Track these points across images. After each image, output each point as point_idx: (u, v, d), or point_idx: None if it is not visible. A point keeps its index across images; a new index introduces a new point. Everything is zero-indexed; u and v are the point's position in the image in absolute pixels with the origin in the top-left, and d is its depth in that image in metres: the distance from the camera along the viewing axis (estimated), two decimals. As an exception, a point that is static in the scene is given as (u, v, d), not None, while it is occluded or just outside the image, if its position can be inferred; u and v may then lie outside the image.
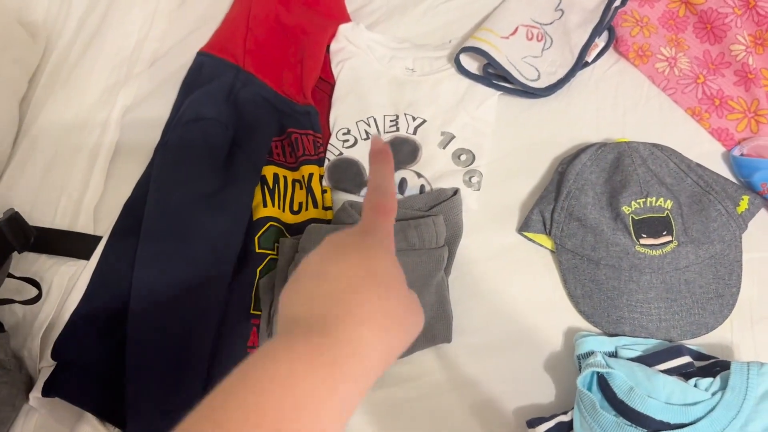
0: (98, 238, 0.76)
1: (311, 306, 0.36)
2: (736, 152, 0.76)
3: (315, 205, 0.77)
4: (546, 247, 0.74)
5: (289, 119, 0.80)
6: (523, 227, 0.74)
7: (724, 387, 0.59)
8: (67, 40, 0.89)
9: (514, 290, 0.73)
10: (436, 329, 0.69)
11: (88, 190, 0.79)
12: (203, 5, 0.93)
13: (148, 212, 0.72)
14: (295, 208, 0.77)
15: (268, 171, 0.77)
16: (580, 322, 0.70)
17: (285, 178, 0.77)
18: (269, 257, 0.72)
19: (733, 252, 0.70)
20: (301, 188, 0.78)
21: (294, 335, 0.34)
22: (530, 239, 0.75)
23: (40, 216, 0.77)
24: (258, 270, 0.71)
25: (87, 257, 0.75)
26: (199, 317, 0.67)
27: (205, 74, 0.82)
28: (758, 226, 0.72)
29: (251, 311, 0.70)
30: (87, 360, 0.68)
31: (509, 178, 0.79)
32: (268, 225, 0.74)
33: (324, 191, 0.78)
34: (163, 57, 0.90)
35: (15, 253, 0.71)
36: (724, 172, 0.76)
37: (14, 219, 0.70)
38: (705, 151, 0.78)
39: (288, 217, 0.76)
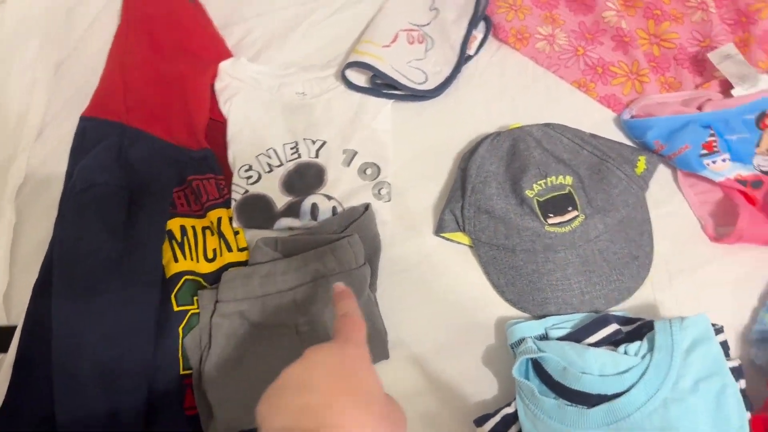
0: (13, 329, 0.72)
1: (298, 419, 0.38)
2: (626, 115, 0.77)
3: (229, 249, 0.74)
4: (465, 244, 0.74)
5: (186, 167, 0.78)
6: (439, 229, 0.74)
7: (651, 348, 0.60)
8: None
9: (442, 292, 0.72)
10: (371, 349, 0.68)
11: None
12: (79, 69, 0.90)
13: (56, 290, 0.68)
14: (210, 255, 0.74)
15: (174, 224, 0.74)
16: (510, 311, 0.70)
17: (193, 227, 0.75)
18: (190, 313, 0.70)
19: (639, 213, 0.71)
20: (212, 234, 0.75)
21: None
22: (448, 239, 0.75)
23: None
24: (180, 328, 0.69)
25: (4, 350, 0.72)
26: (126, 390, 0.64)
27: (89, 138, 0.79)
28: (658, 183, 0.74)
29: (181, 372, 0.68)
30: None
31: (417, 183, 0.78)
32: (183, 280, 0.71)
33: (236, 233, 0.76)
34: (47, 127, 0.86)
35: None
36: (619, 136, 0.78)
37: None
38: (597, 120, 0.79)
39: (204, 267, 0.74)
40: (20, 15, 0.89)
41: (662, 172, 0.75)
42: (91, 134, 0.81)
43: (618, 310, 0.68)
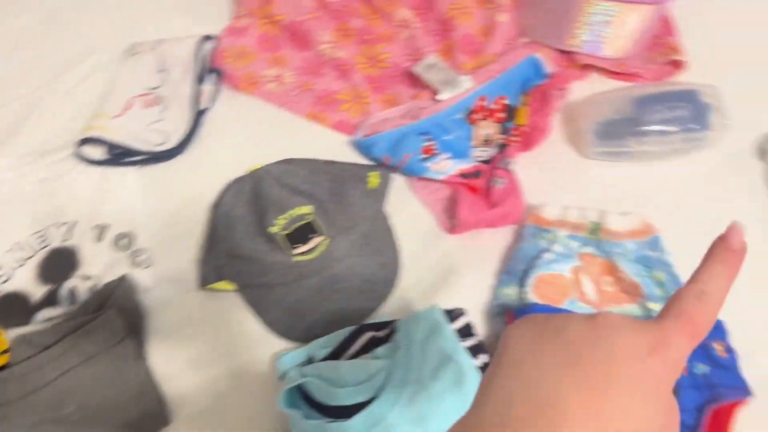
0: None
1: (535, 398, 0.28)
2: (357, 136, 0.83)
3: None
4: (231, 290, 0.76)
5: None
6: (202, 282, 0.75)
7: (396, 348, 0.65)
8: None
9: (218, 342, 0.73)
10: (146, 421, 0.68)
11: None
12: None
13: None
14: None
15: None
16: (285, 344, 0.73)
17: None
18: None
19: (380, 224, 0.77)
20: None
21: None
22: (215, 290, 0.76)
23: None
24: None
25: None
26: None
27: None
28: (396, 192, 0.80)
29: None
30: None
31: (177, 241, 0.79)
32: None
33: (-5, 336, 0.73)
34: None
35: None
36: (356, 157, 0.83)
37: None
38: (333, 145, 0.84)
39: None
40: None
41: (398, 181, 0.81)
42: None
43: (378, 316, 0.72)
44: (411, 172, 0.79)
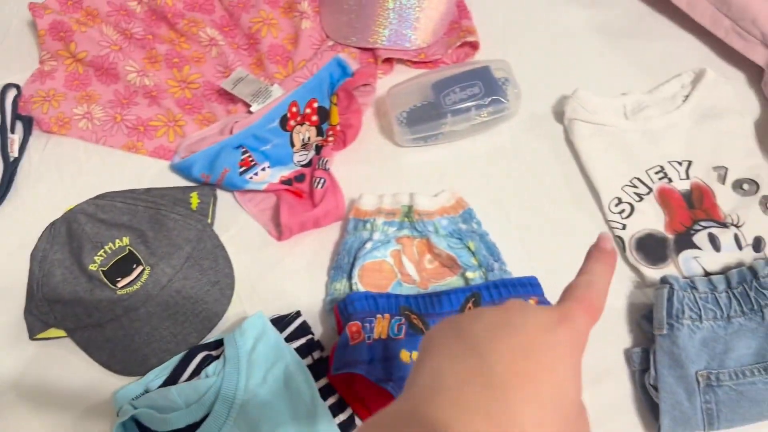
0: None
1: (469, 392, 0.29)
2: (176, 159, 0.83)
3: None
4: (62, 336, 0.74)
5: None
6: (30, 333, 0.73)
7: (225, 362, 0.65)
8: None
9: (58, 394, 0.70)
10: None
11: None
12: None
13: None
14: None
15: None
16: (126, 380, 0.71)
17: None
18: None
19: (207, 243, 0.77)
20: None
21: None
22: (46, 338, 0.74)
23: None
24: None
25: None
26: None
27: None
28: (224, 208, 0.80)
29: None
30: None
31: (2, 295, 0.76)
32: None
33: None
34: None
35: None
36: (179, 181, 0.83)
37: None
38: (155, 173, 0.83)
39: None
40: None
41: (227, 199, 0.81)
42: None
43: (214, 336, 0.72)
44: (232, 186, 0.79)
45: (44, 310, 0.72)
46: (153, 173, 0.83)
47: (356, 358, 0.63)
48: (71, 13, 0.90)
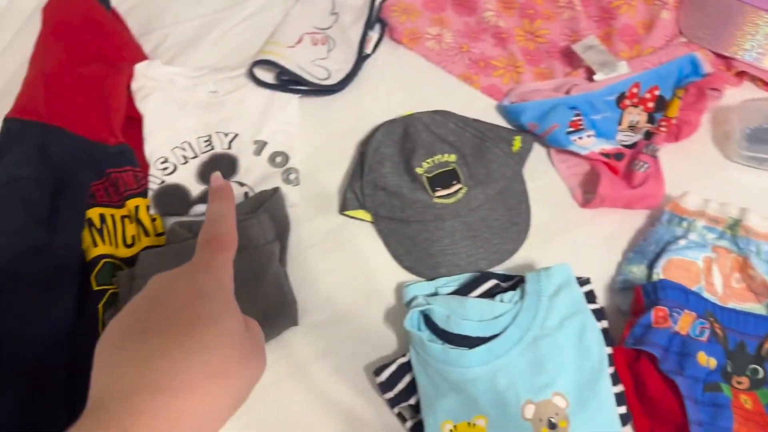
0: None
1: (117, 376, 0.31)
2: (506, 102, 0.86)
3: (147, 234, 0.79)
4: (366, 220, 0.81)
5: (104, 162, 0.82)
6: (342, 207, 0.81)
7: (523, 295, 0.68)
8: None
9: (347, 264, 0.79)
10: (280, 317, 0.74)
11: None
12: (6, 71, 0.94)
13: None
14: (129, 241, 0.79)
15: (94, 213, 0.79)
16: (408, 277, 0.77)
17: (112, 216, 0.80)
18: (109, 292, 0.74)
19: (517, 185, 0.80)
20: (130, 222, 0.80)
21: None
22: (352, 217, 0.81)
23: None
24: (100, 306, 0.73)
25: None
26: (42, 365, 0.68)
27: (13, 139, 0.83)
28: (535, 159, 0.83)
29: None
30: None
31: (324, 168, 0.85)
32: (102, 262, 0.76)
33: (153, 219, 0.81)
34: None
35: None
36: (500, 121, 0.86)
37: None
38: (481, 107, 0.88)
39: (123, 252, 0.78)
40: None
41: (538, 151, 0.84)
42: (14, 135, 0.84)
43: (500, 269, 0.76)
44: (554, 143, 0.81)
45: (367, 192, 0.79)
46: (480, 107, 0.88)
47: (654, 341, 0.63)
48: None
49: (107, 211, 0.80)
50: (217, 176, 0.45)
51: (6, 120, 0.86)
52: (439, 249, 0.76)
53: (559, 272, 0.68)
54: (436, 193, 0.77)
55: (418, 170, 0.78)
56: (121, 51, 0.92)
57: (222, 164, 0.84)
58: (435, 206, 0.77)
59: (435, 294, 0.72)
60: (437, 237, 0.76)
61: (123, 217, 0.81)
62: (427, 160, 0.78)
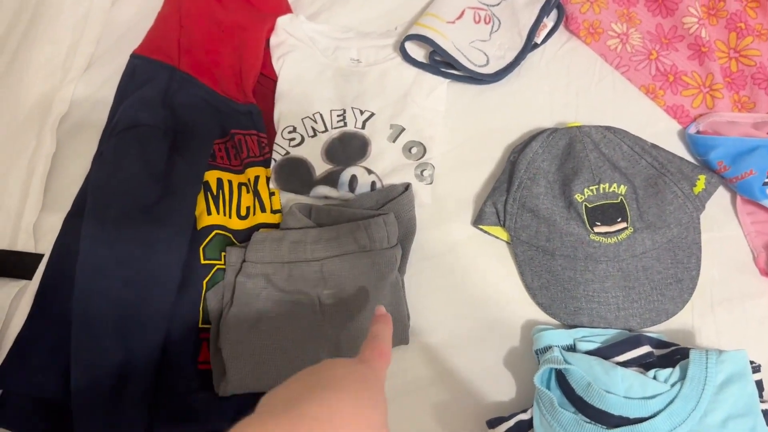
0: (39, 257, 0.74)
1: (291, 426, 0.36)
2: (692, 130, 0.74)
3: (263, 209, 0.74)
4: (501, 239, 0.73)
5: (230, 120, 0.77)
6: (478, 220, 0.72)
7: (683, 377, 0.58)
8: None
9: (470, 285, 0.71)
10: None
11: (27, 207, 0.76)
12: (136, 4, 0.89)
13: (85, 228, 0.69)
14: (243, 213, 0.74)
15: (211, 176, 0.74)
16: (539, 315, 0.69)
17: (230, 182, 0.75)
18: (215, 267, 0.70)
19: (691, 234, 0.69)
20: (247, 192, 0.75)
21: None
22: (485, 232, 0.73)
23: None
24: (204, 282, 0.69)
25: (29, 277, 0.73)
26: (142, 338, 0.65)
27: (138, 78, 0.79)
28: (716, 205, 0.71)
29: (199, 325, 0.68)
30: (35, 387, 0.66)
31: (462, 169, 0.77)
32: (213, 234, 0.71)
33: (271, 194, 0.75)
34: (98, 60, 0.86)
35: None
36: (681, 150, 0.75)
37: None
38: (661, 129, 0.76)
39: (235, 223, 0.73)
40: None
41: (721, 195, 0.72)
42: (140, 73, 0.80)
43: (652, 331, 0.66)
44: (746, 193, 0.69)
45: (511, 210, 0.70)
46: (659, 129, 0.76)
47: None
48: None
49: (225, 176, 0.75)
50: (380, 308, 0.54)
51: (133, 56, 0.82)
52: (585, 293, 0.66)
53: (732, 360, 0.58)
54: (594, 228, 0.67)
55: (578, 197, 0.68)
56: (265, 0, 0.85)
57: (352, 145, 0.77)
58: (590, 244, 0.67)
59: (573, 347, 0.64)
60: (585, 279, 0.67)
61: (240, 185, 0.75)
62: (591, 187, 0.68)
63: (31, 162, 0.78)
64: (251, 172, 0.75)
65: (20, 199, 0.76)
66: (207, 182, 0.74)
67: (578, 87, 0.79)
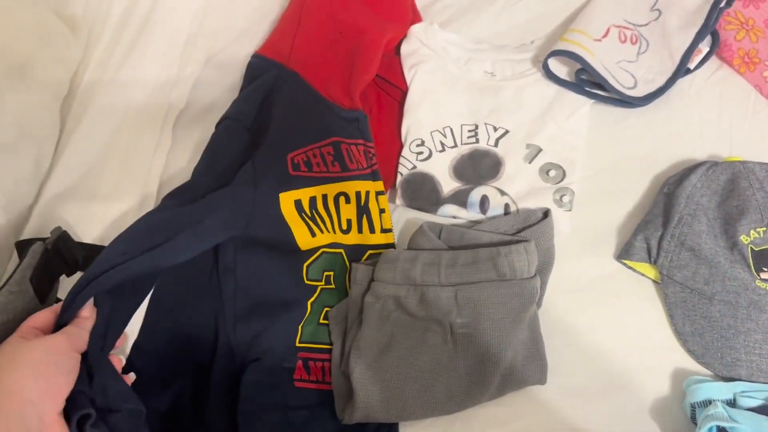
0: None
1: None
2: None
3: (372, 229, 0.70)
4: (649, 277, 0.68)
5: (333, 125, 0.74)
6: (624, 254, 0.68)
7: None
8: (110, 36, 0.82)
9: (612, 325, 0.67)
10: (529, 371, 0.63)
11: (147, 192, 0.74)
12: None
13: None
14: (344, 226, 0.70)
15: (303, 195, 0.70)
16: (688, 363, 0.64)
17: (324, 197, 0.71)
18: (319, 288, 0.68)
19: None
20: (347, 202, 0.71)
21: None
22: (630, 268, 0.69)
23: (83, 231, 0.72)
24: (309, 302, 0.66)
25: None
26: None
27: (252, 76, 0.78)
28: None
29: (296, 344, 0.66)
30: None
31: (604, 197, 0.73)
32: (319, 253, 0.69)
33: (382, 210, 0.71)
34: (219, 54, 0.84)
35: (63, 276, 0.65)
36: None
37: (62, 240, 0.65)
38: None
39: (341, 238, 0.70)
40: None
41: None
42: (255, 72, 0.79)
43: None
44: None
45: (667, 247, 0.66)
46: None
47: None
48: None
49: (318, 192, 0.71)
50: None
51: (253, 55, 0.80)
52: (745, 344, 0.62)
53: None
54: (761, 274, 0.62)
55: (743, 239, 0.63)
56: (391, 8, 0.82)
57: (484, 163, 0.74)
58: (756, 291, 0.62)
59: (733, 402, 0.59)
60: (746, 328, 0.62)
61: (338, 196, 0.71)
62: (758, 229, 0.64)
63: (149, 162, 0.75)
64: (357, 186, 0.71)
65: (144, 180, 0.75)
66: (299, 201, 0.70)
67: (731, 119, 0.75)
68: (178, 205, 0.65)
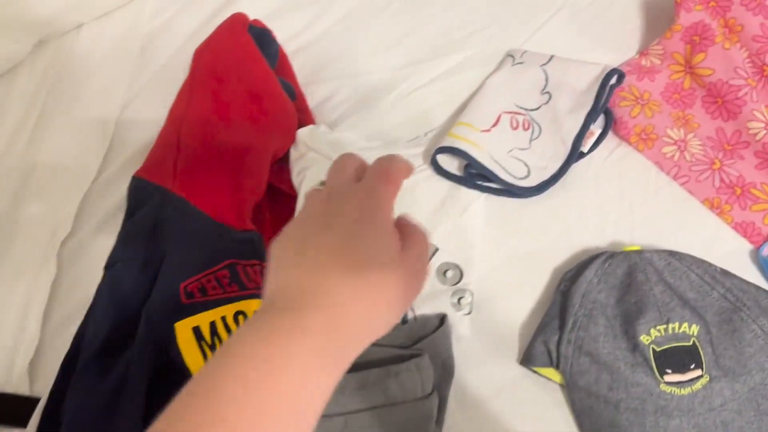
0: (36, 401, 0.67)
1: (295, 277, 0.37)
2: (766, 252, 0.67)
3: None
4: (556, 382, 0.64)
5: (226, 249, 0.70)
6: (526, 360, 0.65)
7: None
8: None
9: (524, 437, 0.63)
10: None
11: (23, 343, 0.70)
12: (143, 122, 0.85)
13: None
14: None
15: (203, 321, 0.67)
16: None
17: (223, 319, 0.67)
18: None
19: (776, 380, 0.60)
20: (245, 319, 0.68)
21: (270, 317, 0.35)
22: (535, 371, 0.65)
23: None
24: None
25: (22, 424, 0.66)
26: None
27: (137, 200, 0.75)
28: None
29: None
30: None
31: (504, 295, 0.70)
32: None
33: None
34: (104, 178, 0.82)
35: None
36: (755, 276, 0.67)
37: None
38: (729, 250, 0.69)
39: None
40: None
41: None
42: (139, 196, 0.76)
43: (738, 501, 0.57)
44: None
45: (565, 353, 0.62)
46: (726, 250, 0.69)
47: None
48: (713, 17, 0.76)
49: (218, 315, 0.67)
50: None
51: (133, 178, 0.77)
52: (656, 455, 0.58)
53: None
54: (664, 376, 0.59)
55: (644, 339, 0.60)
56: (277, 117, 0.79)
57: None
58: (661, 396, 0.59)
59: None
60: (655, 437, 0.58)
61: (237, 315, 0.68)
62: (658, 327, 0.60)
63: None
64: (256, 305, 0.68)
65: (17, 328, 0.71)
66: (198, 328, 0.67)
67: (632, 200, 0.72)
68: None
